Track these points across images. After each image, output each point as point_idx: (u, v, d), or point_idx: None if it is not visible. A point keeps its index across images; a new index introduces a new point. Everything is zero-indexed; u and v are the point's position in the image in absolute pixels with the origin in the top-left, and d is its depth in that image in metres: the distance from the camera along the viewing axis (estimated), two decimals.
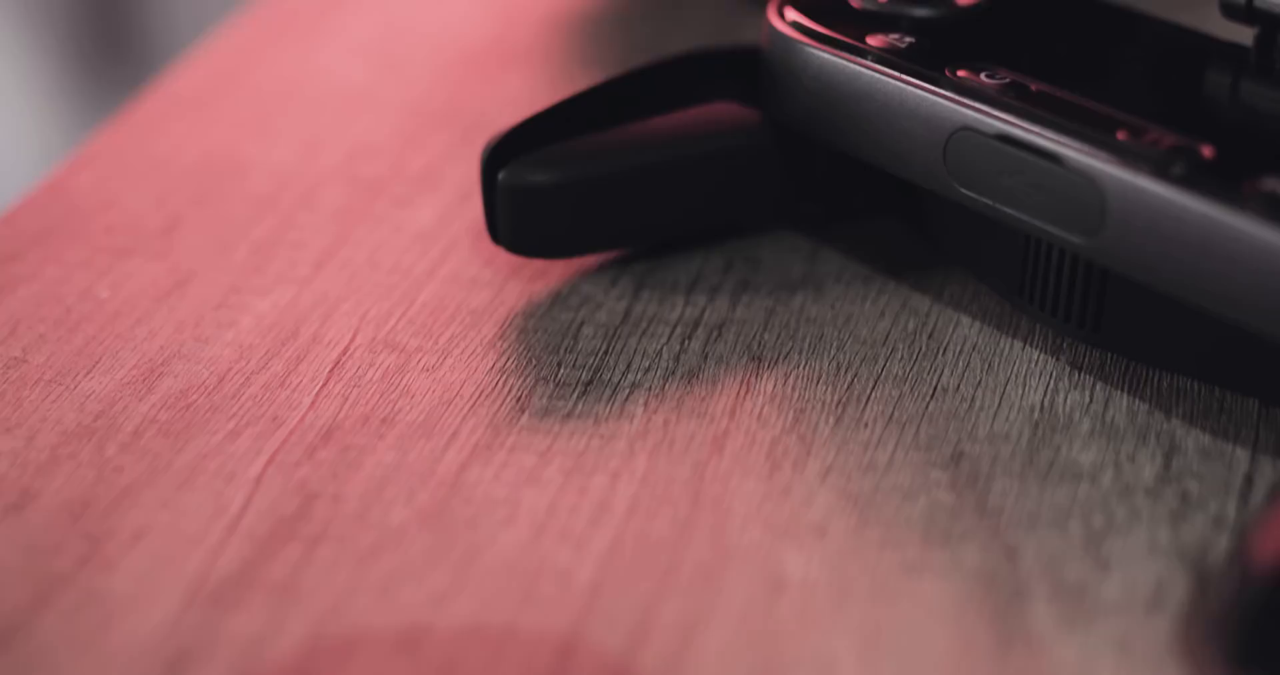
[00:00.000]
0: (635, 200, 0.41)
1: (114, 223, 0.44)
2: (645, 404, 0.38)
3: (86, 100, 1.36)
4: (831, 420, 0.37)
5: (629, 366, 0.39)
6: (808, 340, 0.40)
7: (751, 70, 0.43)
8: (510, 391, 0.38)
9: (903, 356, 0.39)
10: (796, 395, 0.38)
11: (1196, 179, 0.35)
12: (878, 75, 0.39)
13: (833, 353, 0.39)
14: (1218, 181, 0.34)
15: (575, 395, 0.38)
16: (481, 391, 0.38)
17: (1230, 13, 0.39)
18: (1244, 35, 0.40)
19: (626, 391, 0.38)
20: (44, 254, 0.43)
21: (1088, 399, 0.38)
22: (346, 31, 0.55)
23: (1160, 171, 0.35)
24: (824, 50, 0.40)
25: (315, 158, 0.47)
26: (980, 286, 0.41)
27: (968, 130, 0.37)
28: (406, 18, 0.56)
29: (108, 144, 0.48)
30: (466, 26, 0.55)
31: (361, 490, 0.35)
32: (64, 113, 1.36)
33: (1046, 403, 0.38)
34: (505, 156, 0.40)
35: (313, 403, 0.38)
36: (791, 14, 0.41)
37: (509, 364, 0.39)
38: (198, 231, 0.44)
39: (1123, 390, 0.38)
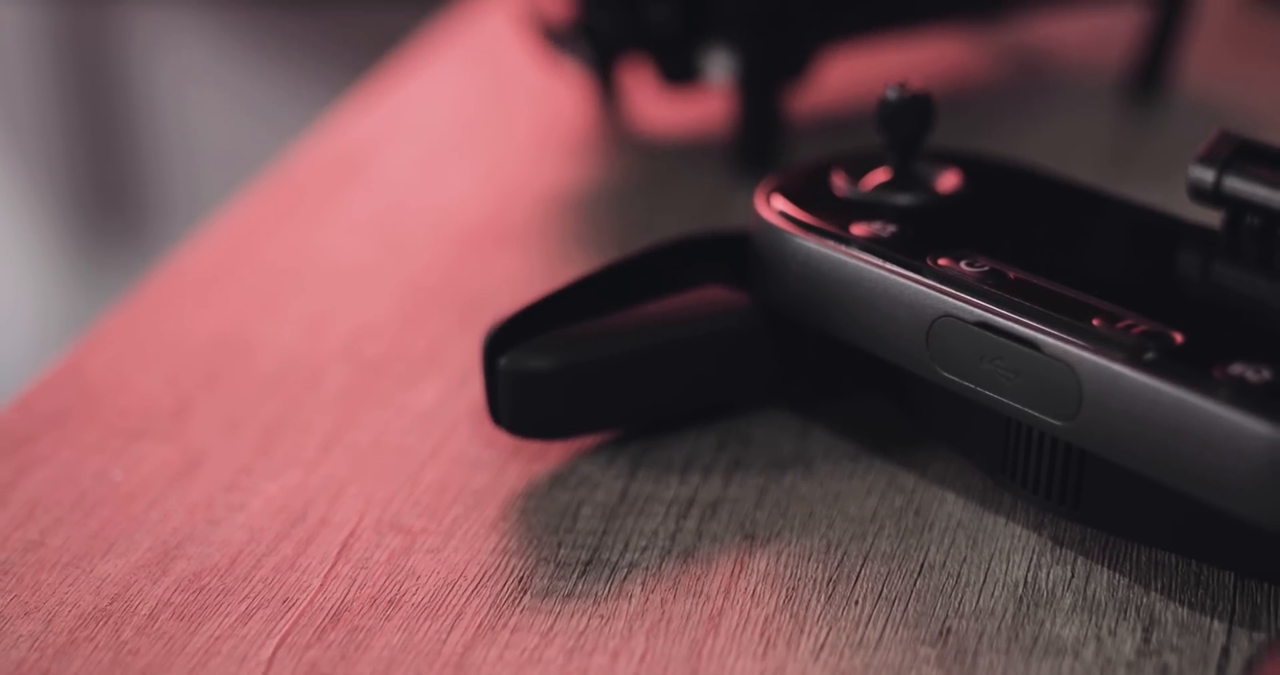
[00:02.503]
0: (630, 383, 0.43)
1: (126, 405, 0.46)
2: (643, 583, 0.39)
3: (87, 264, 1.38)
4: (823, 598, 0.39)
5: (627, 546, 0.40)
6: (798, 518, 0.41)
7: (740, 253, 0.44)
8: (512, 572, 0.40)
9: (890, 533, 0.41)
10: (789, 573, 0.39)
11: (1168, 365, 0.36)
12: (862, 264, 0.41)
13: (823, 530, 0.41)
14: (1188, 367, 0.36)
15: (575, 575, 0.39)
16: (484, 572, 0.39)
17: (1199, 196, 0.41)
18: (1213, 217, 0.42)
19: (625, 571, 0.40)
20: (59, 437, 0.44)
21: (1069, 574, 0.39)
22: (349, 210, 0.57)
23: (1133, 358, 0.36)
24: (810, 239, 0.42)
25: (321, 337, 0.49)
26: (964, 463, 0.43)
27: (949, 317, 0.39)
28: (407, 196, 0.58)
29: (119, 324, 0.50)
30: (465, 205, 0.57)
31: (369, 672, 0.37)
32: (64, 277, 1.38)
33: (1030, 578, 0.39)
34: (506, 343, 0.42)
35: (322, 584, 0.39)
36: (778, 202, 0.43)
37: (511, 544, 0.40)
38: (208, 413, 0.45)
39: (1103, 564, 0.39)
